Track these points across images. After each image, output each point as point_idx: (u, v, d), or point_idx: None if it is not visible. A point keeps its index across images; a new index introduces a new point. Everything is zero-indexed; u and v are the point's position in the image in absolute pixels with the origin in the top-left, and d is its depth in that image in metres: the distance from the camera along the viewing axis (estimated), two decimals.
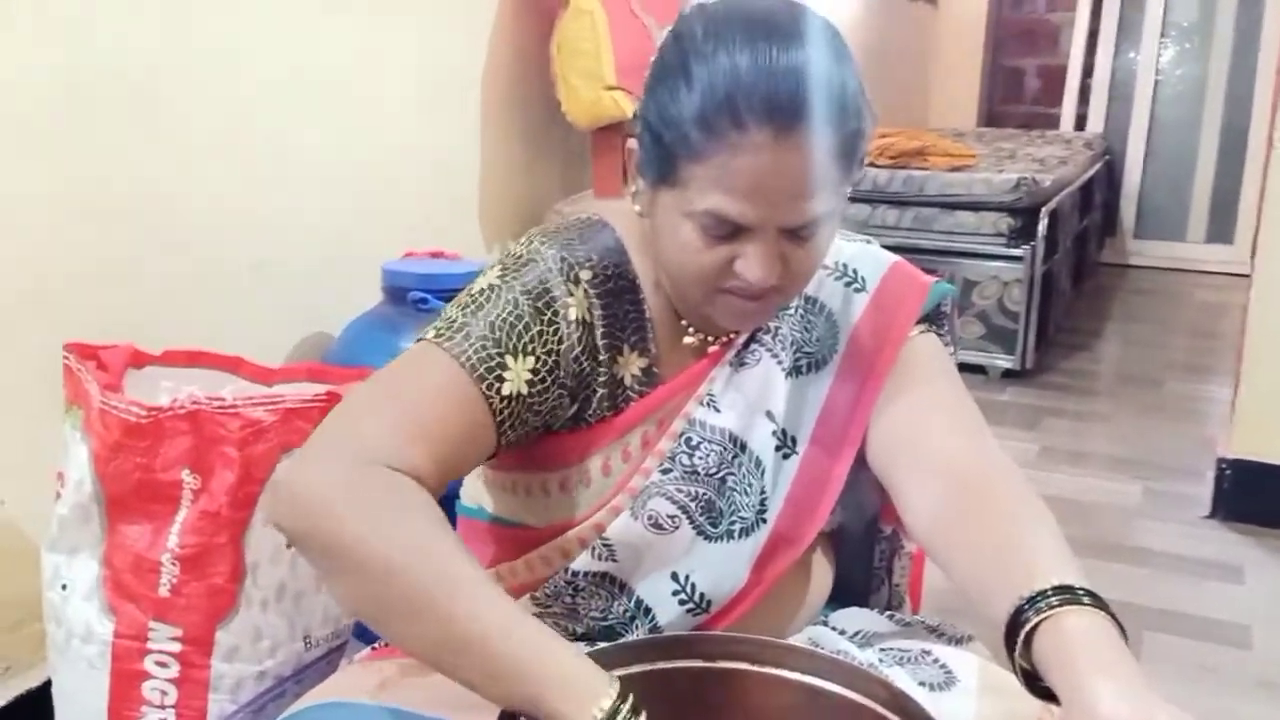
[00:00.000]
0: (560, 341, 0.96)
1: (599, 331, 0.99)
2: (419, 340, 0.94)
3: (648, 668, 0.89)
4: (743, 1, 0.93)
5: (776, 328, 1.07)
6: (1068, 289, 4.34)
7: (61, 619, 1.28)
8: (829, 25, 0.92)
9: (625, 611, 1.03)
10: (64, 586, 1.28)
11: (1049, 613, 0.79)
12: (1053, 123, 5.79)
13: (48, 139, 1.49)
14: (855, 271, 1.10)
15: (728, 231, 0.91)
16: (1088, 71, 5.66)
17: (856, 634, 1.11)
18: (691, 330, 1.04)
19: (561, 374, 0.96)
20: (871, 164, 3.95)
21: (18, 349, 1.45)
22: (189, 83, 1.70)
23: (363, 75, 2.09)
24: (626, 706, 0.75)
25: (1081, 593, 0.80)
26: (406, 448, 0.86)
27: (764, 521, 1.05)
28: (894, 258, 1.12)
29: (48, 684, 1.35)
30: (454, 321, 0.93)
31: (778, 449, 1.05)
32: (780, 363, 1.06)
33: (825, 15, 0.94)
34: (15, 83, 1.44)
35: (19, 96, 1.45)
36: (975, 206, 3.66)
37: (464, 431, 0.91)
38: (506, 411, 0.93)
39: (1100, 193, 5.10)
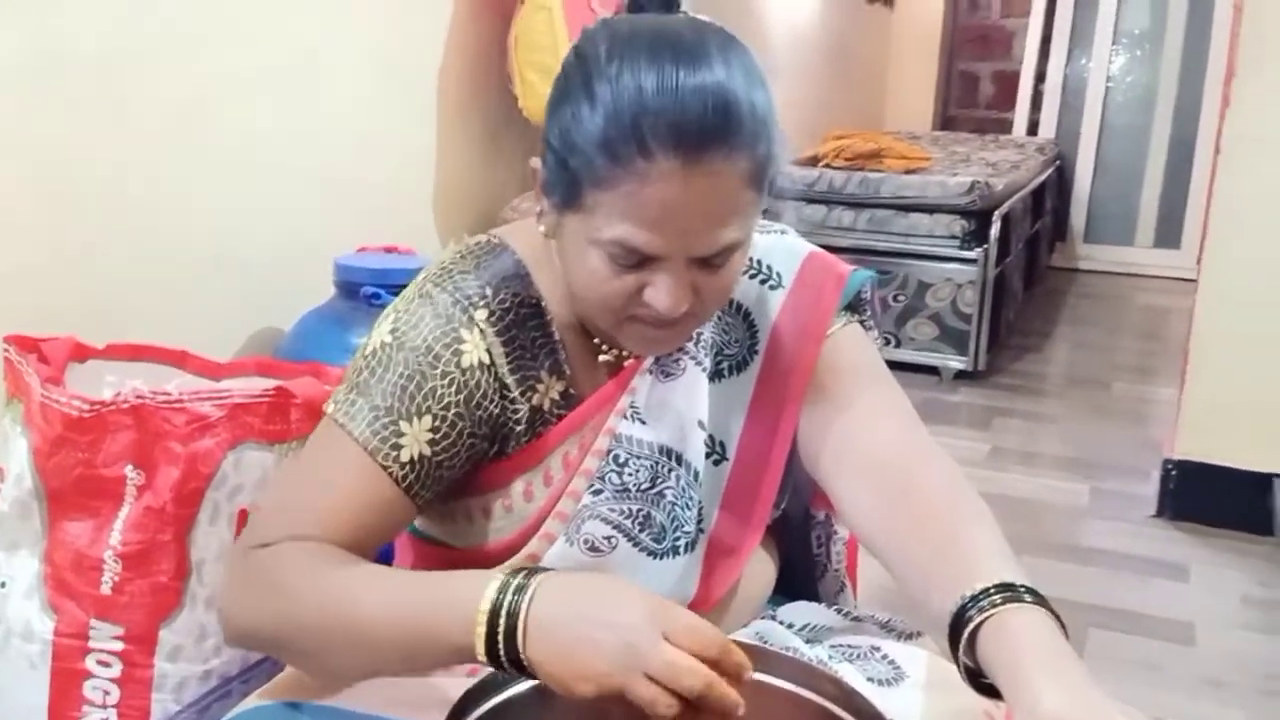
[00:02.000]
0: (459, 392, 0.93)
1: (504, 369, 0.96)
2: (325, 413, 0.95)
3: None
4: (649, 19, 0.90)
5: (698, 333, 1.03)
6: (1019, 292, 4.40)
7: (1, 617, 1.25)
8: (739, 44, 0.88)
9: None
10: (3, 584, 1.25)
11: (991, 611, 0.79)
12: (1006, 127, 5.86)
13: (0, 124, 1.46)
14: (770, 267, 1.07)
15: (636, 261, 0.87)
16: (1040, 77, 5.73)
17: (805, 627, 1.10)
18: (605, 348, 1.02)
19: (467, 424, 0.94)
20: (827, 165, 3.98)
21: None
22: (144, 72, 1.67)
23: (320, 68, 2.07)
24: (510, 590, 0.78)
25: (1023, 590, 0.80)
26: (318, 534, 0.89)
27: (703, 531, 1.03)
28: (809, 248, 1.09)
29: None
30: (351, 391, 0.93)
31: (709, 456, 1.04)
32: (703, 368, 1.03)
33: (734, 33, 0.90)
34: None
35: None
36: (930, 209, 3.70)
37: (372, 507, 0.91)
38: (411, 476, 0.92)
39: (1051, 197, 5.17)
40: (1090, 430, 3.28)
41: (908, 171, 3.89)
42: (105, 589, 1.21)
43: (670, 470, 1.02)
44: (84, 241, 1.59)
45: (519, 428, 0.98)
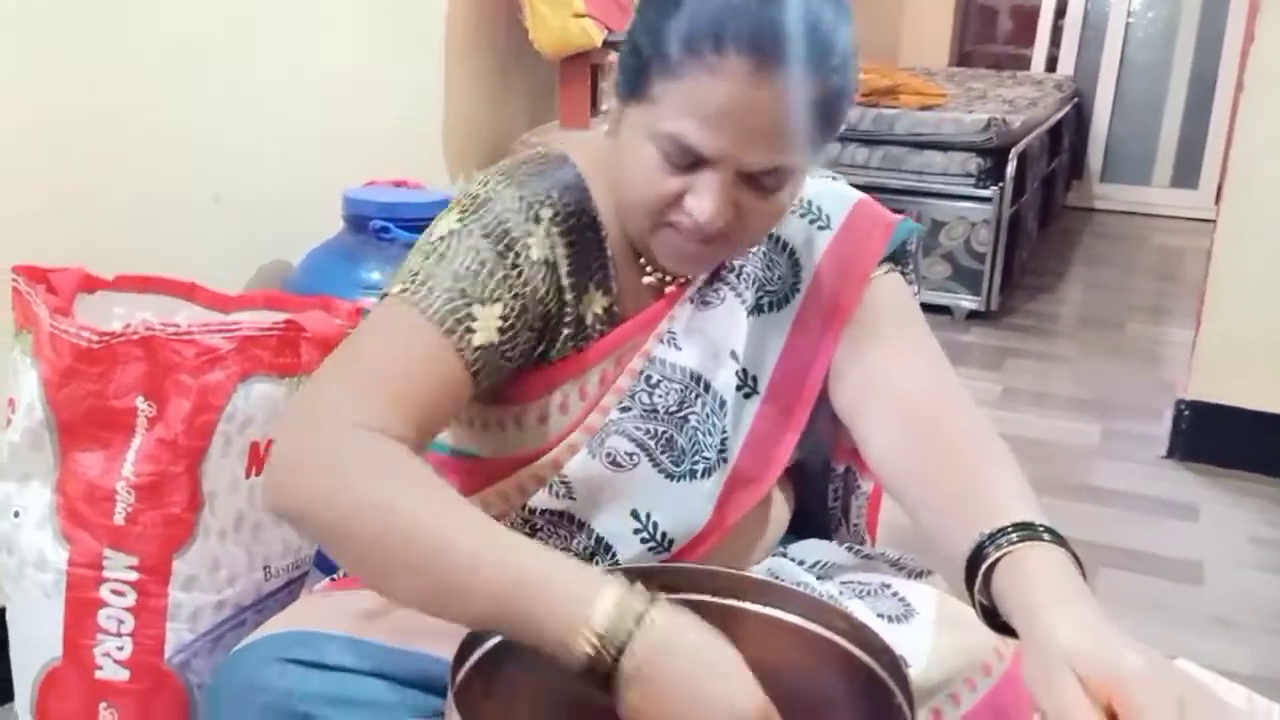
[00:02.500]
0: (525, 284, 0.93)
1: (564, 270, 0.97)
2: (383, 295, 0.92)
3: None
4: None
5: (741, 265, 1.05)
6: (1034, 231, 4.36)
7: (14, 547, 1.26)
8: None
9: (585, 548, 1.03)
10: (16, 514, 1.25)
11: (1009, 549, 0.79)
12: (1024, 63, 5.76)
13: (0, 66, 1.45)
14: (819, 209, 1.07)
15: (687, 162, 0.88)
16: (1060, 12, 5.62)
17: (815, 564, 1.11)
18: (649, 269, 1.02)
19: (530, 317, 0.94)
20: None
21: None
22: (146, 11, 1.64)
23: (325, 3, 2.03)
24: (628, 617, 0.74)
25: (1041, 529, 0.80)
26: (384, 412, 0.84)
27: (725, 461, 1.04)
28: (859, 194, 1.10)
29: (1, 613, 1.34)
30: (417, 274, 0.91)
31: (739, 388, 1.04)
32: (743, 300, 1.04)
33: None
34: None
35: None
36: (944, 146, 3.65)
37: (439, 387, 0.89)
38: (480, 362, 0.91)
39: (1069, 135, 5.10)
40: (1103, 371, 3.27)
41: (923, 108, 3.83)
42: (118, 519, 1.22)
43: (697, 396, 1.02)
44: (87, 181, 1.58)
45: (565, 332, 0.98)
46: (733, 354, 1.04)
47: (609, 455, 1.00)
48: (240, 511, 1.29)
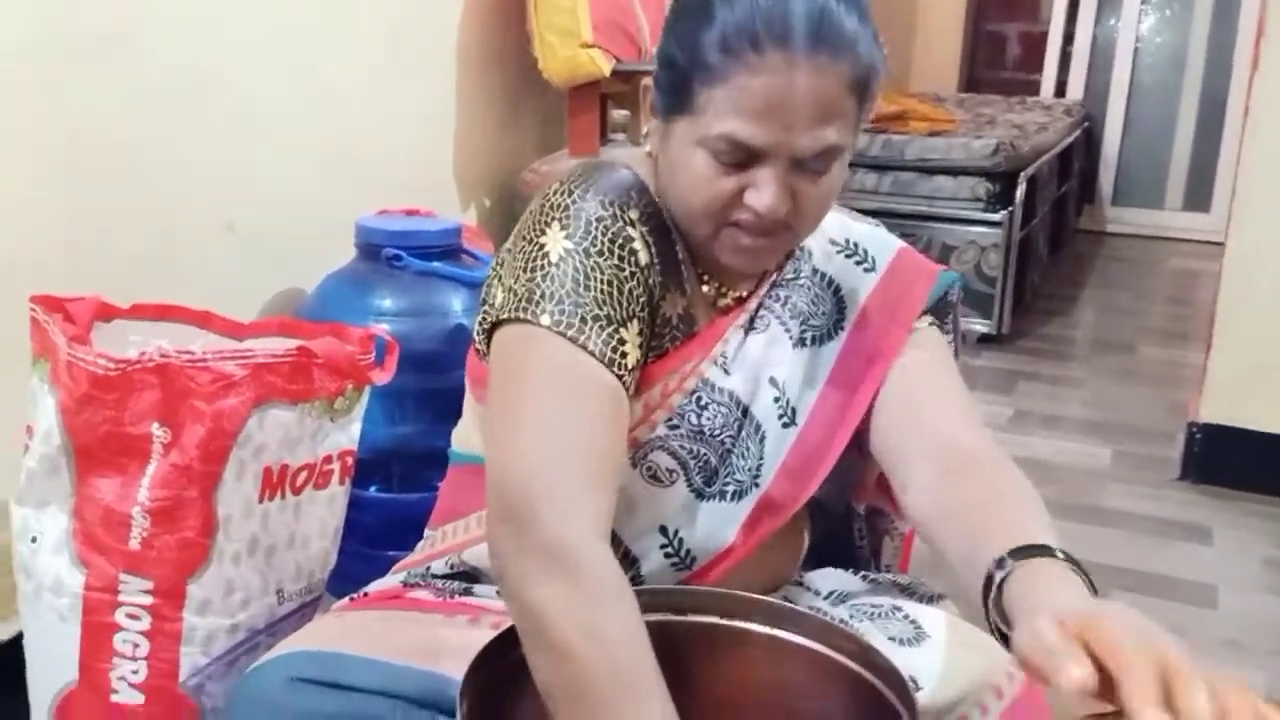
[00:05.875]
0: (644, 292, 0.96)
1: (657, 269, 0.99)
2: (523, 323, 0.91)
3: None
4: None
5: (787, 296, 1.07)
6: (1045, 255, 4.36)
7: (32, 572, 1.27)
8: None
9: None
10: (34, 539, 1.27)
11: (1023, 562, 0.79)
12: (1033, 89, 5.78)
13: (17, 97, 1.47)
14: (865, 251, 1.11)
15: (740, 158, 0.91)
16: (1069, 38, 5.64)
17: (831, 594, 1.12)
18: (706, 278, 1.04)
19: (649, 321, 0.97)
20: None
21: None
22: (161, 39, 1.67)
23: (339, 32, 2.06)
24: None
25: (1058, 552, 0.80)
26: (597, 505, 0.85)
27: (757, 486, 1.05)
28: (900, 242, 1.13)
29: (19, 637, 1.35)
30: (557, 303, 0.91)
31: (779, 418, 1.06)
32: (789, 331, 1.06)
33: None
34: None
35: None
36: (954, 171, 3.66)
37: (620, 426, 0.91)
38: (631, 381, 0.93)
39: (1079, 159, 5.11)
40: (1115, 394, 3.26)
41: (932, 133, 3.85)
42: (134, 544, 1.23)
43: (737, 422, 1.04)
44: (104, 212, 1.60)
45: (649, 332, 0.99)
46: (773, 381, 1.05)
47: (649, 469, 1.02)
48: (254, 535, 1.30)
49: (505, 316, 0.93)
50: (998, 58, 6.12)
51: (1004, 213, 3.59)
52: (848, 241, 1.11)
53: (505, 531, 0.85)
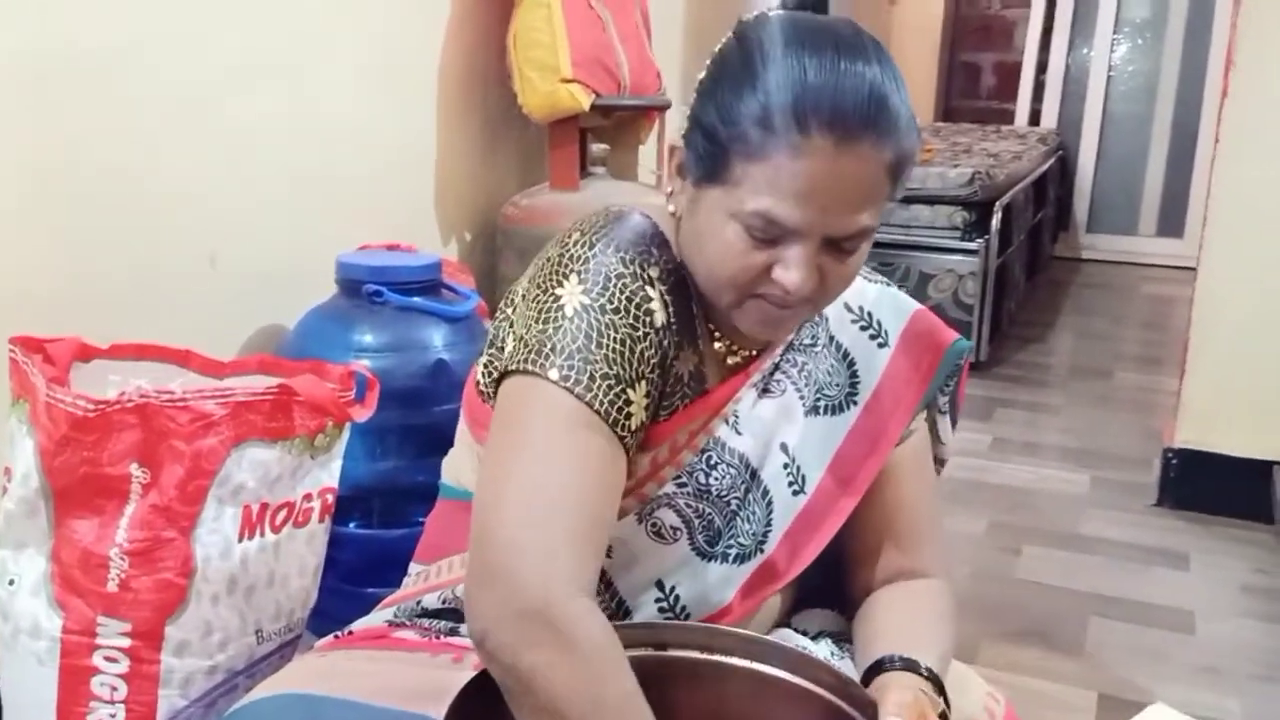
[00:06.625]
0: (656, 354, 0.95)
1: (672, 329, 0.98)
2: (531, 375, 0.91)
3: None
4: (806, 15, 0.95)
5: (804, 363, 1.07)
6: (1021, 282, 4.40)
7: (9, 614, 1.27)
8: (883, 47, 0.93)
9: (603, 605, 1.03)
10: (11, 582, 1.26)
11: (887, 669, 0.94)
12: (1008, 118, 5.86)
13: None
14: (879, 323, 1.11)
15: (773, 235, 0.90)
16: (1042, 67, 5.73)
17: (819, 634, 1.13)
18: (718, 335, 1.04)
19: (658, 385, 0.97)
20: None
21: None
22: (143, 71, 1.68)
23: (319, 67, 2.08)
24: None
25: (923, 669, 0.94)
26: (587, 565, 0.85)
27: (761, 551, 1.06)
28: (914, 305, 1.13)
29: None
30: (571, 357, 0.90)
31: (790, 485, 1.06)
32: (803, 399, 1.07)
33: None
34: None
35: None
36: (931, 200, 3.70)
37: (611, 489, 0.91)
38: (633, 442, 0.93)
39: (1054, 187, 5.17)
40: (1092, 420, 3.29)
41: None
42: (112, 586, 1.23)
43: (744, 484, 1.04)
44: (83, 242, 1.59)
45: (661, 390, 0.99)
46: (783, 447, 1.06)
47: (654, 526, 1.02)
48: (233, 575, 1.30)
49: (513, 367, 0.93)
50: (972, 87, 6.20)
51: (980, 241, 3.63)
52: (861, 310, 1.10)
53: (486, 598, 0.84)
